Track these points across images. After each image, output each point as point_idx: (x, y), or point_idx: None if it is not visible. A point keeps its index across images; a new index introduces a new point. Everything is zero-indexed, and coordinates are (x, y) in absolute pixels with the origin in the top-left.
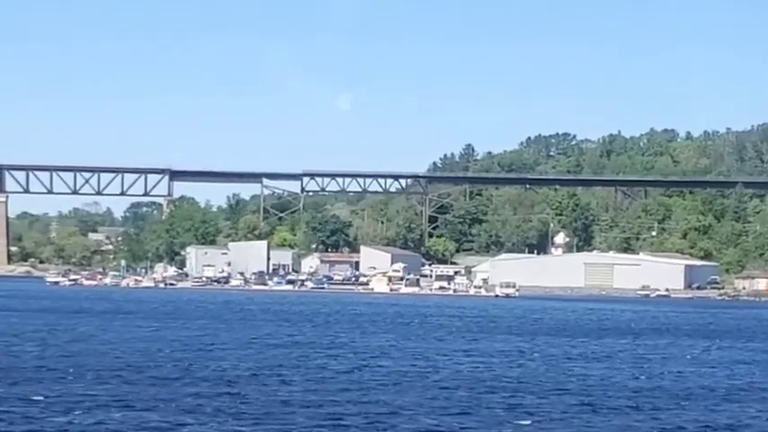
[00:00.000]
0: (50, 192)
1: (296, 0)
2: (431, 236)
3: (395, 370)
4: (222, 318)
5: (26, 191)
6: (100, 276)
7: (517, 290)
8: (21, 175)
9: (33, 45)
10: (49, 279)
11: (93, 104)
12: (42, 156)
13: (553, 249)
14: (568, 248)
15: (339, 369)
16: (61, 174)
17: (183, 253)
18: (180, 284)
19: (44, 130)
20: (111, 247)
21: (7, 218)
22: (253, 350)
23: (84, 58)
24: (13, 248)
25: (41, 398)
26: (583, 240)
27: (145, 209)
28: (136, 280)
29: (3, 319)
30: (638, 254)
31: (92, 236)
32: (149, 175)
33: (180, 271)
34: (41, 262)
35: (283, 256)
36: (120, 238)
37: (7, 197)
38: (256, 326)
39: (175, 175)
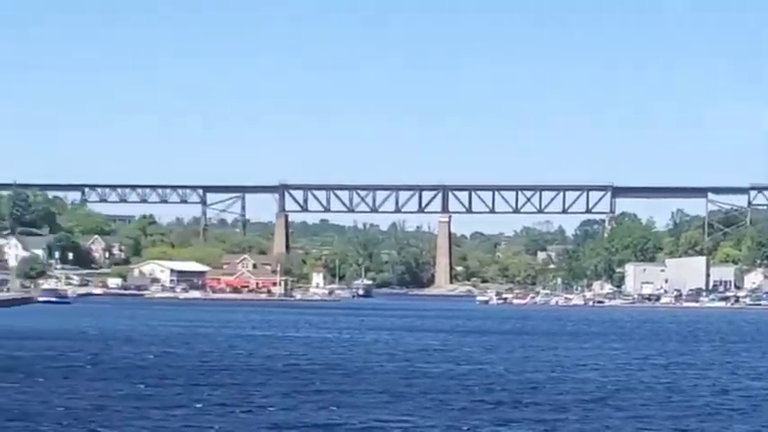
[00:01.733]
0: (492, 211)
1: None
2: None
3: None
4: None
5: (468, 210)
6: (531, 296)
7: None
8: (463, 195)
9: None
10: (479, 298)
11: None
12: (483, 175)
13: None
14: None
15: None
16: (503, 193)
17: (620, 270)
18: (609, 303)
19: (486, 152)
20: (553, 266)
21: (450, 237)
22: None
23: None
24: (459, 268)
25: None
26: None
27: (596, 226)
28: (566, 298)
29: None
30: None
31: (540, 255)
32: (591, 192)
33: (615, 289)
34: (484, 281)
35: (725, 273)
36: (562, 257)
37: (450, 217)
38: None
39: (618, 191)
